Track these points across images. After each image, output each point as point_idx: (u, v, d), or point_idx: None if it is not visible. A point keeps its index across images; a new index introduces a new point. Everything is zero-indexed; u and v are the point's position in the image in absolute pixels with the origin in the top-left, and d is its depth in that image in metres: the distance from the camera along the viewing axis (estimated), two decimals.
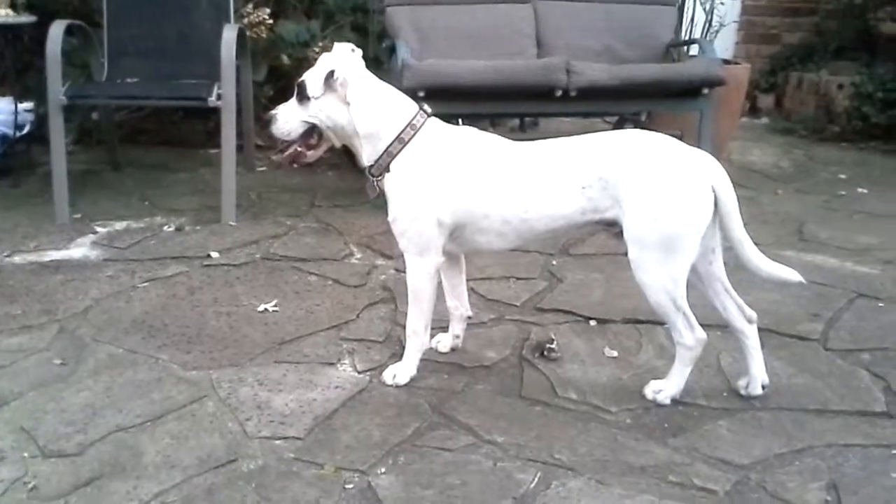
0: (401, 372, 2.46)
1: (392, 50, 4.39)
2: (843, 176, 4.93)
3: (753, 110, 6.55)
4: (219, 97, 3.71)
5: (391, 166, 2.32)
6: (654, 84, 3.90)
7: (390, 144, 2.31)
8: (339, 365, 2.57)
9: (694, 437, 2.20)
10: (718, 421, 2.28)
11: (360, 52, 2.36)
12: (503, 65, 3.83)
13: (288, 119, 2.34)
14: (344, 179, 4.60)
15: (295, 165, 2.50)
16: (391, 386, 2.44)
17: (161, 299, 3.00)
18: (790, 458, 2.11)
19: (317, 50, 4.83)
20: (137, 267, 3.29)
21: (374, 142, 2.32)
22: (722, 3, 5.28)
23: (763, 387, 2.38)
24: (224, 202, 3.81)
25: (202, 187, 4.38)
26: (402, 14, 4.31)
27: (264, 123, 2.44)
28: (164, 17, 4.21)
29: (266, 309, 2.93)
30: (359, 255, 3.49)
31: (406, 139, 2.31)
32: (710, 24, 5.13)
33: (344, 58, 2.30)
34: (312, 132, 2.36)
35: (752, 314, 2.37)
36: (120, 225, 3.77)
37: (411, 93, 3.71)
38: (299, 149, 2.39)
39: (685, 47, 4.78)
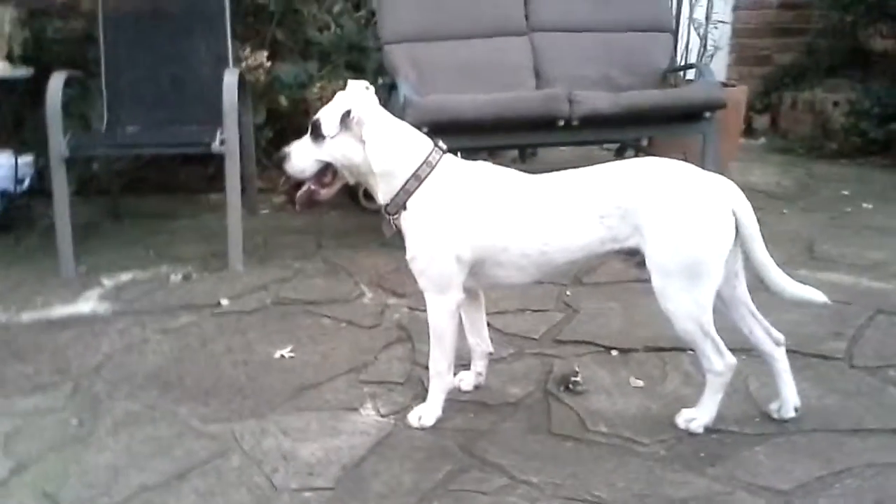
0: (426, 414, 2.41)
1: (391, 87, 4.40)
2: (845, 192, 4.93)
3: (749, 131, 6.57)
4: (222, 142, 3.69)
5: (408, 204, 2.30)
6: (656, 110, 3.90)
7: (406, 182, 2.29)
8: (361, 409, 2.52)
9: (731, 465, 2.15)
10: (754, 447, 2.23)
11: (373, 89, 2.35)
12: (505, 97, 3.83)
13: (302, 157, 2.32)
14: (348, 219, 4.57)
15: (307, 205, 2.45)
16: (417, 428, 2.39)
17: (174, 351, 2.95)
18: (831, 481, 2.06)
19: (315, 91, 4.86)
20: (147, 319, 3.24)
21: (389, 180, 2.30)
22: (716, 28, 5.32)
23: (795, 409, 2.34)
24: (231, 248, 3.78)
25: (206, 234, 4.34)
26: (400, 51, 4.32)
27: (276, 163, 2.42)
28: (161, 63, 4.21)
29: (282, 355, 2.89)
30: (370, 295, 3.45)
31: (422, 176, 2.29)
32: (704, 49, 5.16)
33: (359, 96, 2.28)
34: (326, 170, 2.34)
35: (780, 336, 2.34)
36: (126, 276, 3.72)
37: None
38: (313, 187, 2.37)
39: (682, 72, 4.80)
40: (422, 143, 2.33)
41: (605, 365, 2.75)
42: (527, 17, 4.53)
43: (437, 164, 2.30)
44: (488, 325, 2.99)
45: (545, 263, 2.30)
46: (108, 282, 3.66)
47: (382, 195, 2.33)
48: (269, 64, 4.72)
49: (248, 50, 4.70)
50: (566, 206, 2.25)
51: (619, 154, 4.86)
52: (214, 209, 4.77)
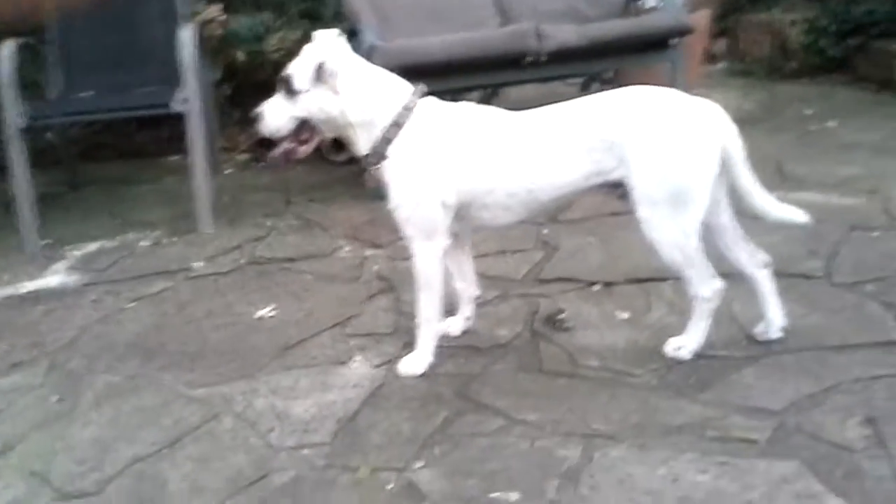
0: (417, 362, 2.40)
1: (352, 34, 4.28)
2: (808, 111, 4.95)
3: (708, 56, 6.54)
4: (183, 102, 3.58)
5: (388, 152, 2.24)
6: (624, 40, 3.85)
7: (386, 130, 2.23)
8: (350, 363, 2.50)
9: (723, 389, 2.17)
10: (743, 370, 2.26)
11: (344, 37, 2.28)
12: (472, 36, 3.75)
13: (276, 116, 2.24)
14: (316, 173, 4.49)
15: (284, 164, 2.40)
16: (409, 377, 2.38)
17: (152, 318, 2.90)
18: (821, 398, 2.10)
19: (273, 43, 4.73)
20: (121, 287, 3.17)
21: (369, 129, 2.24)
22: None
23: (781, 330, 2.37)
24: (199, 210, 3.70)
25: (170, 197, 4.25)
26: None
27: (249, 122, 2.35)
28: (113, 25, 4.06)
29: (264, 315, 2.85)
30: (347, 249, 3.40)
31: (402, 122, 2.23)
32: None
33: (331, 46, 2.21)
34: (303, 127, 2.27)
35: (766, 258, 2.35)
36: (93, 246, 3.64)
37: None
38: (289, 145, 2.31)
39: (640, 2, 4.73)
40: (399, 88, 2.27)
41: (589, 300, 2.76)
42: None
43: (415, 108, 2.25)
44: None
45: (532, 202, 2.27)
46: (74, 253, 3.58)
47: (362, 146, 2.27)
48: (223, 17, 4.57)
49: (200, 3, 4.54)
50: (552, 143, 2.21)
51: (585, 88, 4.81)
52: (175, 171, 4.67)
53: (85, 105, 3.89)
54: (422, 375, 2.38)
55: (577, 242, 3.21)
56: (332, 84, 2.19)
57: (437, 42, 3.68)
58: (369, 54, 3.66)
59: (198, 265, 3.32)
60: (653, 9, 4.53)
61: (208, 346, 2.67)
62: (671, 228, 2.18)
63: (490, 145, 2.24)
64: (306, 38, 4.95)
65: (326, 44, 2.23)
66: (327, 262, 3.27)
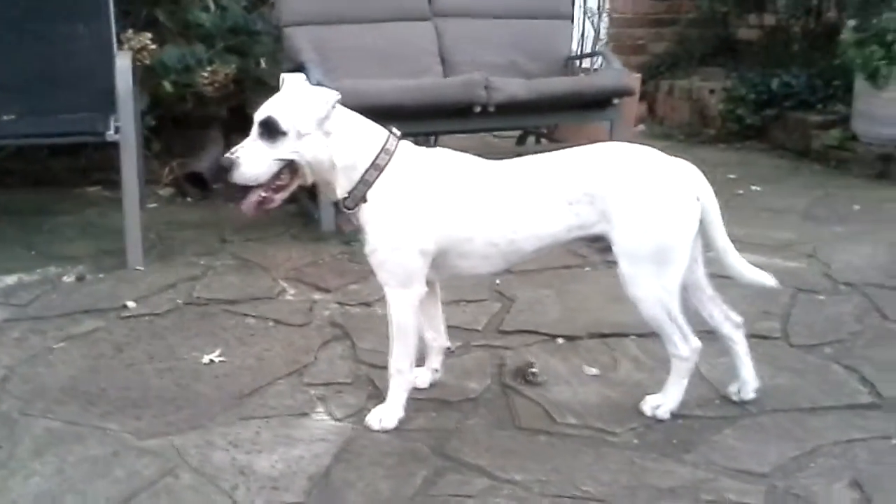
0: (387, 415, 2.27)
1: (293, 73, 4.18)
2: (732, 176, 5.12)
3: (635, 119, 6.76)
4: (116, 130, 3.37)
5: (367, 195, 2.14)
6: (570, 96, 3.90)
7: (366, 172, 2.14)
8: (312, 414, 2.35)
9: (706, 450, 2.15)
10: (723, 430, 2.24)
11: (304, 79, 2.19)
12: (425, 83, 3.73)
13: (256, 162, 2.07)
14: None
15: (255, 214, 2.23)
16: (379, 431, 2.25)
17: (87, 360, 2.66)
18: (805, 461, 2.10)
19: (206, 76, 4.56)
20: (46, 325, 2.91)
21: (349, 172, 2.14)
22: (608, 17, 5.41)
23: (754, 391, 2.37)
24: (129, 245, 3.46)
25: (92, 230, 3.98)
26: (301, 34, 4.12)
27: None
28: (38, 47, 3.80)
29: (212, 360, 2.66)
30: (292, 292, 3.25)
31: (382, 165, 2.14)
32: (598, 37, 5.23)
33: (321, 89, 2.11)
34: (281, 172, 2.13)
35: (739, 319, 2.36)
36: (10, 279, 3.34)
37: None
38: (264, 194, 2.14)
39: (579, 61, 4.84)
40: (378, 131, 2.19)
41: (555, 354, 2.71)
42: (429, 2, 4.42)
43: (395, 151, 2.16)
44: None
45: (512, 252, 2.21)
46: None
47: (340, 189, 2.16)
48: (154, 47, 4.37)
49: (129, 31, 4.33)
50: (534, 193, 2.17)
51: (521, 142, 4.84)
52: (95, 203, 4.43)
53: (8, 129, 3.59)
54: (393, 430, 2.25)
55: (532, 294, 3.17)
56: (328, 126, 2.09)
57: (387, 86, 3.63)
58: None
59: (131, 304, 3.09)
60: (591, 69, 4.64)
61: (152, 392, 2.46)
62: (653, 286, 2.16)
63: (472, 193, 2.18)
64: (242, 73, 4.87)
65: (301, 86, 2.13)
66: (272, 306, 3.10)
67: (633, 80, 4.83)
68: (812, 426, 2.26)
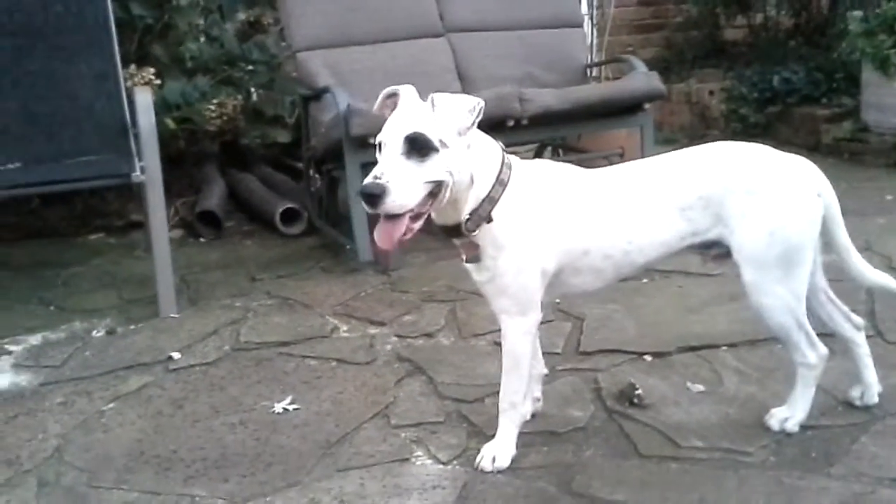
0: (501, 453, 2.09)
1: (306, 99, 4.01)
2: None
3: None
4: (142, 170, 3.16)
5: (493, 214, 1.95)
6: (602, 104, 3.78)
7: (492, 189, 1.93)
8: (413, 459, 2.16)
9: (851, 462, 2.01)
10: (860, 438, 2.10)
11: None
12: None
13: (408, 186, 1.78)
14: (269, 248, 4.11)
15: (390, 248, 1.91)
16: (493, 472, 2.07)
17: (146, 420, 2.43)
18: None
19: (213, 108, 4.36)
20: (90, 386, 2.67)
21: (476, 190, 1.93)
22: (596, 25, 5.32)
23: (878, 394, 2.24)
24: (161, 292, 3.23)
25: (109, 279, 3.75)
26: (316, 59, 3.94)
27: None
28: (40, 90, 3.56)
29: (285, 409, 2.45)
30: (345, 328, 3.05)
31: (505, 180, 1.95)
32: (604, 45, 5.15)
33: (463, 95, 1.91)
34: (427, 196, 1.85)
35: (860, 321, 2.24)
36: (34, 339, 3.09)
37: (360, 140, 3.40)
38: (410, 223, 1.84)
39: (590, 71, 4.73)
40: (494, 143, 2.00)
41: (648, 372, 2.55)
42: (441, 18, 4.28)
43: (513, 164, 1.99)
44: (496, 343, 2.74)
45: (626, 264, 2.06)
46: (14, 348, 3.02)
47: (466, 209, 1.94)
48: (158, 81, 4.16)
49: (132, 67, 4.12)
50: (647, 200, 2.02)
51: (539, 155, 4.70)
52: (101, 251, 4.21)
53: (13, 178, 3.33)
54: (508, 469, 2.07)
55: (600, 311, 3.01)
56: (469, 138, 1.87)
57: None
58: (346, 118, 3.42)
59: (176, 356, 2.86)
60: (601, 78, 4.54)
61: (231, 449, 2.25)
62: (781, 292, 2.02)
63: (586, 203, 2.02)
64: (256, 104, 4.67)
65: (443, 96, 1.87)
66: (330, 345, 2.90)
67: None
68: None
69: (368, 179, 1.78)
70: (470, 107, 1.85)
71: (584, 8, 5.21)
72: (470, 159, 1.88)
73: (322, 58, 3.94)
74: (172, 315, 3.22)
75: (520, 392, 2.08)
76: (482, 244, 1.97)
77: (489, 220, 1.94)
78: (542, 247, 1.97)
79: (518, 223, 1.96)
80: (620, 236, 2.01)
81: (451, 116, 1.82)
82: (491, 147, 1.97)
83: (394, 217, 1.81)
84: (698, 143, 5.90)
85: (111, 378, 2.73)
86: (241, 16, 5.17)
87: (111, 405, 2.55)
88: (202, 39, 5.00)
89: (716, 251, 2.11)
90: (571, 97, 3.67)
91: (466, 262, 2.04)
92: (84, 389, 2.65)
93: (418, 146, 1.79)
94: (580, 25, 4.60)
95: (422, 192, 1.81)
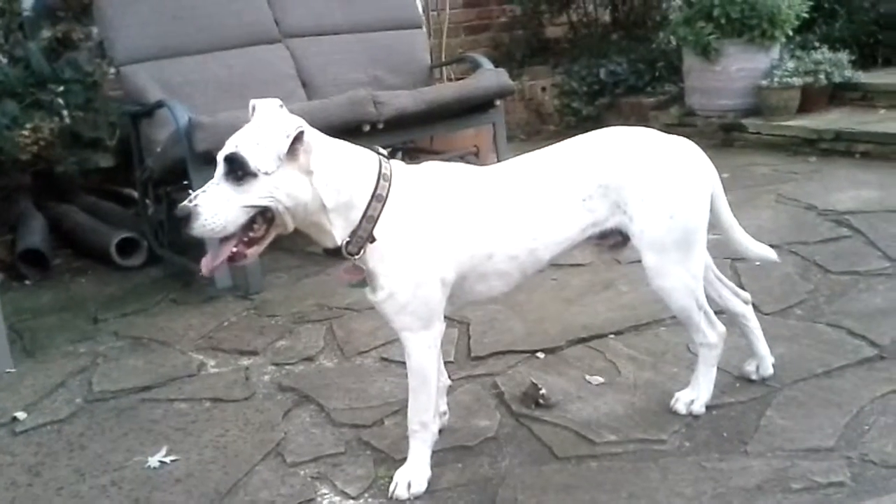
0: (415, 477, 1.95)
1: (135, 116, 3.68)
2: None
3: None
4: None
5: (375, 233, 1.81)
6: (456, 103, 3.70)
7: (368, 207, 1.79)
8: (320, 499, 1.98)
9: (764, 438, 2.02)
10: (765, 413, 2.13)
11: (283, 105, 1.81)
12: (311, 105, 3.37)
13: (221, 209, 1.69)
14: (108, 283, 3.73)
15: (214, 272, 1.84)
16: (409, 499, 1.92)
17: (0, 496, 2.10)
18: (858, 424, 2.03)
19: (27, 134, 3.91)
20: None
21: (347, 212, 1.79)
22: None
23: (772, 365, 2.28)
24: None
25: None
26: (142, 72, 3.63)
27: (176, 221, 1.76)
28: None
29: (161, 461, 2.18)
30: (213, 363, 2.78)
31: (384, 195, 1.81)
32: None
33: (293, 117, 1.74)
34: (254, 221, 1.74)
35: (747, 296, 2.27)
36: None
37: (206, 156, 3.13)
38: (234, 249, 1.75)
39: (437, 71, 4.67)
40: (366, 156, 1.85)
41: (545, 370, 2.49)
42: (277, 23, 4.07)
43: (392, 175, 1.84)
44: (385, 359, 2.62)
45: (531, 264, 1.97)
46: None
47: (339, 234, 1.80)
48: None
49: None
50: (548, 194, 1.95)
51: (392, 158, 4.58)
52: None
53: None
54: (426, 494, 1.93)
55: (483, 314, 2.91)
56: (305, 162, 1.72)
57: None
58: (189, 132, 3.16)
59: (20, 415, 2.50)
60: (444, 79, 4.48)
61: None
62: (682, 274, 2.02)
63: (483, 205, 1.91)
64: (72, 126, 4.25)
65: (276, 112, 1.76)
66: (199, 383, 2.64)
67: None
68: (841, 388, 2.20)
69: (184, 202, 1.69)
70: (285, 131, 1.69)
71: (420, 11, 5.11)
72: (316, 183, 1.74)
73: (149, 70, 3.63)
74: (8, 370, 2.83)
75: (429, 410, 1.95)
76: (371, 264, 1.82)
77: (372, 239, 1.79)
78: (439, 256, 1.84)
79: (407, 236, 1.82)
80: (525, 235, 1.92)
81: (267, 143, 1.68)
82: (361, 161, 1.82)
83: (217, 242, 1.76)
84: (537, 139, 5.98)
85: None
86: (47, 33, 4.68)
87: None
88: (4, 60, 4.50)
89: (612, 240, 2.07)
90: (427, 97, 3.57)
91: (351, 286, 1.88)
92: None
93: (235, 168, 1.69)
94: (420, 26, 4.51)
95: (240, 216, 1.72)
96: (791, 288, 2.88)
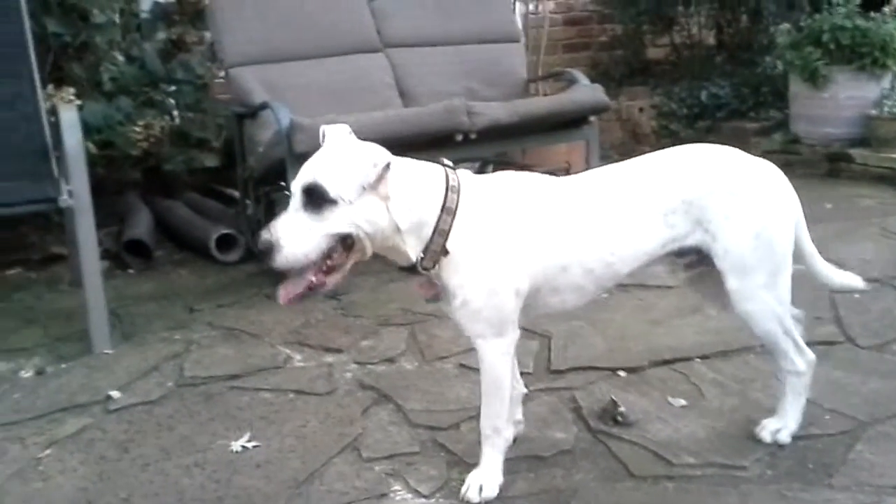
0: (487, 482, 1.95)
1: (240, 117, 3.82)
2: None
3: None
4: (70, 195, 2.91)
5: (447, 246, 1.82)
6: (550, 116, 3.70)
7: (439, 221, 1.81)
8: (393, 494, 2.01)
9: (851, 472, 1.95)
10: (854, 446, 2.05)
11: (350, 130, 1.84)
12: (407, 113, 3.45)
13: (302, 239, 1.71)
14: (206, 276, 3.87)
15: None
16: (479, 503, 1.93)
17: (89, 467, 2.20)
18: None
19: (138, 131, 4.12)
20: (22, 431, 2.41)
21: (419, 230, 1.81)
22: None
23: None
24: (94, 327, 2.97)
25: (32, 315, 3.44)
26: (249, 75, 3.75)
27: (259, 256, 1.80)
28: None
29: (244, 447, 2.26)
30: (299, 357, 2.86)
31: (453, 207, 1.82)
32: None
33: (373, 145, 1.78)
34: (333, 249, 1.76)
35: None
36: None
37: (305, 157, 3.21)
38: (313, 278, 1.76)
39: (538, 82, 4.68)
40: (434, 172, 1.86)
41: (626, 388, 2.46)
42: (378, 33, 4.16)
43: (460, 187, 1.86)
44: (463, 365, 2.63)
45: (608, 278, 1.96)
46: None
47: (412, 251, 1.82)
48: (80, 103, 3.89)
49: (50, 87, 3.84)
50: (628, 206, 1.93)
51: (481, 172, 4.61)
52: (21, 287, 3.86)
53: None
54: (496, 499, 1.93)
55: (565, 328, 2.90)
56: (384, 188, 1.75)
57: (367, 118, 3.31)
58: (288, 133, 3.25)
59: (115, 395, 2.62)
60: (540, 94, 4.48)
61: (189, 494, 2.04)
62: (767, 298, 1.97)
63: (559, 216, 1.91)
64: (182, 126, 4.44)
65: (354, 140, 1.79)
66: (285, 376, 2.71)
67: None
68: None
69: (263, 234, 1.71)
70: (374, 161, 1.71)
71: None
72: (392, 208, 1.76)
73: (255, 73, 3.75)
74: (106, 351, 2.97)
75: (502, 416, 1.95)
76: (445, 276, 1.84)
77: (445, 252, 1.81)
78: (513, 266, 1.84)
79: (480, 246, 1.83)
80: (602, 248, 1.91)
81: (352, 172, 1.71)
82: (429, 178, 1.84)
83: (299, 271, 1.74)
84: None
85: (45, 422, 2.47)
86: (162, 34, 4.92)
87: (48, 451, 2.30)
88: (121, 59, 4.75)
89: (688, 259, 2.04)
90: (520, 110, 3.59)
91: (427, 301, 1.90)
92: (16, 435, 2.39)
93: (314, 198, 1.70)
94: (518, 40, 4.53)
95: (321, 245, 1.73)
96: (890, 323, 2.77)
